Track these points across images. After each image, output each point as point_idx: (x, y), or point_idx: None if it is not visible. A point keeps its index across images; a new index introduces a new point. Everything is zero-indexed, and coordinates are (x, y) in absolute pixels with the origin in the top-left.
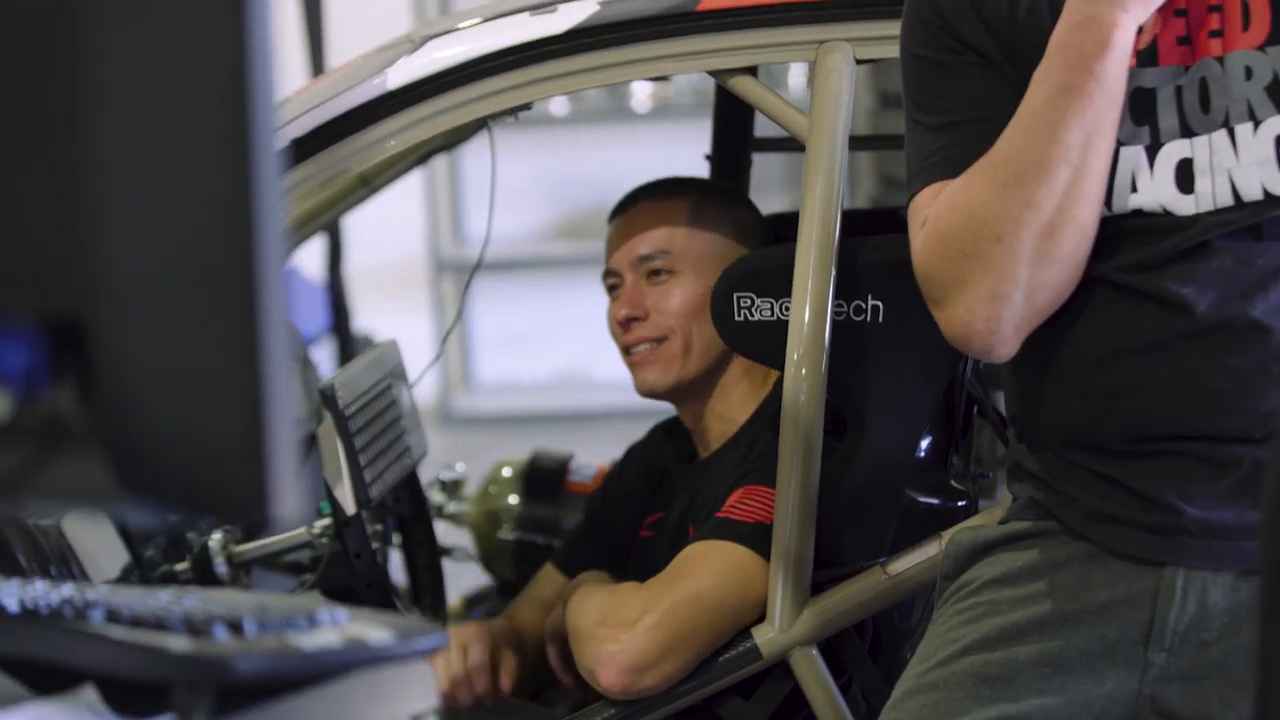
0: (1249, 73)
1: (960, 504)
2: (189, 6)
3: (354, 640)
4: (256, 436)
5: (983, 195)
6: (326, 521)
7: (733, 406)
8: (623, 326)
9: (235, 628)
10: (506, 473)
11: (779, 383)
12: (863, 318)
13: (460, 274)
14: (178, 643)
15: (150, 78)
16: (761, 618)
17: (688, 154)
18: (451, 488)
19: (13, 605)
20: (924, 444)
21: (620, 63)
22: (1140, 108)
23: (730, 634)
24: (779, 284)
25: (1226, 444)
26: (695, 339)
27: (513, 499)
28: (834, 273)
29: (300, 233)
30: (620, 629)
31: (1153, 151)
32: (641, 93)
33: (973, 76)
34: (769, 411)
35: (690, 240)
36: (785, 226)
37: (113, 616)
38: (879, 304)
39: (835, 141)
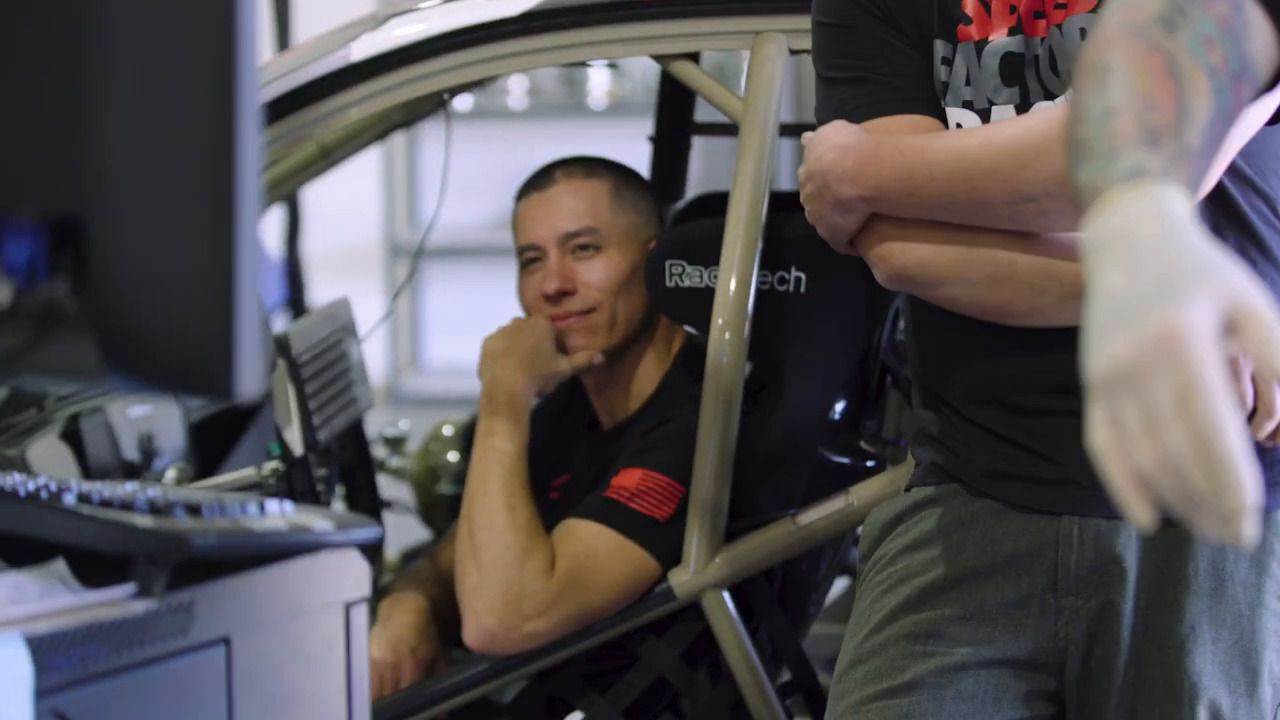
0: (1084, 34)
1: (870, 464)
2: None
3: (298, 526)
4: (227, 322)
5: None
6: (275, 464)
7: (638, 380)
8: (551, 300)
9: (194, 510)
10: (447, 431)
11: (677, 358)
12: (786, 288)
13: (413, 258)
14: (141, 520)
15: (151, 7)
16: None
17: (641, 150)
18: (394, 443)
19: None
20: (838, 407)
21: (570, 45)
22: (1010, 71)
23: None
24: (709, 253)
25: None
26: (620, 312)
27: (452, 455)
28: (760, 245)
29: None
30: (520, 620)
31: (1022, 111)
32: (598, 90)
33: (885, 40)
34: (673, 384)
35: (613, 217)
36: (719, 203)
37: (84, 498)
38: (801, 275)
39: (766, 124)
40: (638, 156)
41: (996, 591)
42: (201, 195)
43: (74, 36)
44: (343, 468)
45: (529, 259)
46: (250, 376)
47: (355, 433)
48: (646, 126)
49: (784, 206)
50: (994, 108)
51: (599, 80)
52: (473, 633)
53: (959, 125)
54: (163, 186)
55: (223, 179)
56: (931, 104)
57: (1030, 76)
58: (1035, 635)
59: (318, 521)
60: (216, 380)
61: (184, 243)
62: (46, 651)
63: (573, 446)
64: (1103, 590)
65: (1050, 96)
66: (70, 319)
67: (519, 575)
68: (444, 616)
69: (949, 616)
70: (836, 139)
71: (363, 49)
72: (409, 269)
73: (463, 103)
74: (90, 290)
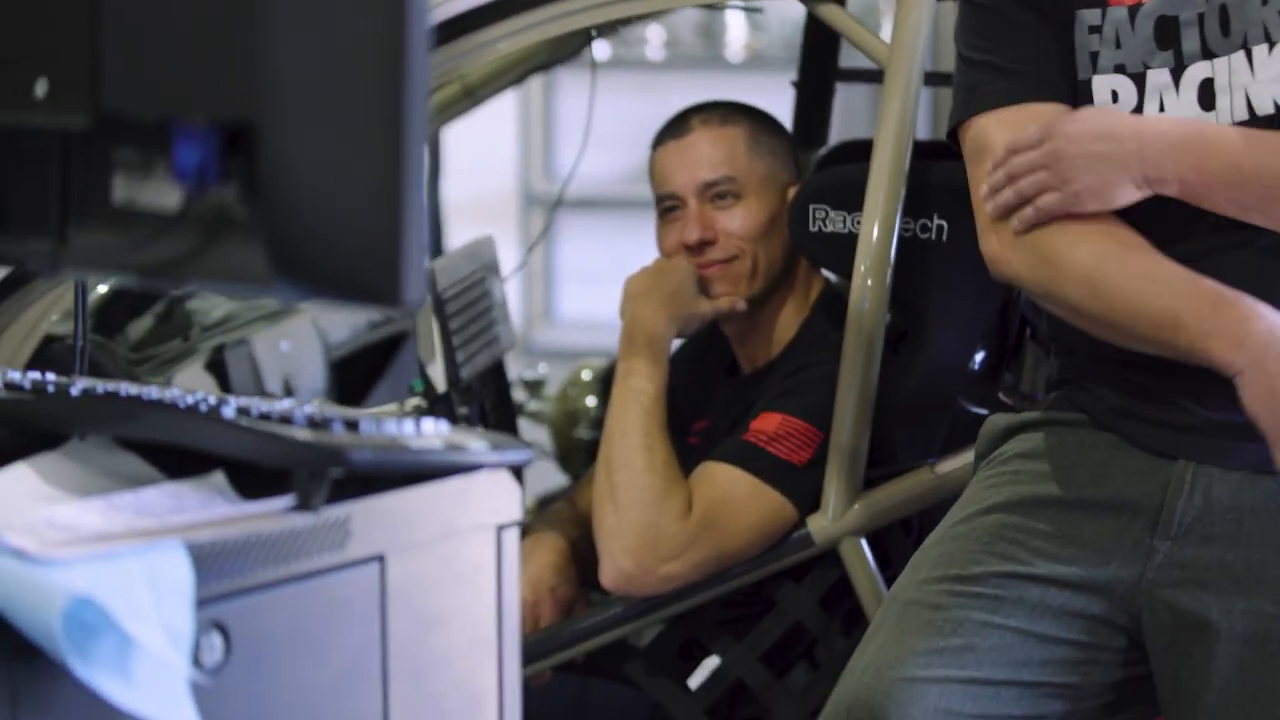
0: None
1: None
2: None
3: (454, 445)
4: (395, 229)
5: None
6: (418, 401)
7: (779, 327)
8: (692, 250)
9: (352, 426)
10: (586, 375)
11: (817, 304)
12: (928, 235)
13: (548, 209)
14: (300, 433)
15: None
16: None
17: (777, 105)
18: (533, 387)
19: (152, 397)
20: (978, 357)
21: None
22: (1164, 34)
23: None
24: (853, 199)
25: None
26: (761, 259)
27: (590, 400)
28: (903, 191)
29: None
30: (655, 561)
31: (1177, 74)
32: (735, 42)
33: (1019, 23)
34: (812, 330)
35: (750, 164)
36: (862, 151)
37: (243, 412)
38: (944, 224)
39: (912, 70)
40: (775, 111)
41: (1096, 522)
42: (372, 101)
43: None
44: (483, 407)
45: (668, 207)
46: (416, 285)
47: (497, 372)
48: (783, 81)
49: (928, 154)
50: (1149, 71)
51: (737, 33)
52: (609, 574)
53: (1114, 92)
54: (334, 92)
55: (393, 85)
56: (1052, 87)
57: (1189, 37)
58: (1119, 570)
59: (472, 442)
60: (384, 287)
61: (354, 149)
62: (207, 561)
63: (712, 391)
64: (1206, 541)
65: (1210, 56)
66: (239, 224)
67: (656, 517)
68: (583, 558)
69: (1040, 531)
70: (1129, 119)
71: None
72: (544, 220)
73: (600, 52)
74: (260, 196)
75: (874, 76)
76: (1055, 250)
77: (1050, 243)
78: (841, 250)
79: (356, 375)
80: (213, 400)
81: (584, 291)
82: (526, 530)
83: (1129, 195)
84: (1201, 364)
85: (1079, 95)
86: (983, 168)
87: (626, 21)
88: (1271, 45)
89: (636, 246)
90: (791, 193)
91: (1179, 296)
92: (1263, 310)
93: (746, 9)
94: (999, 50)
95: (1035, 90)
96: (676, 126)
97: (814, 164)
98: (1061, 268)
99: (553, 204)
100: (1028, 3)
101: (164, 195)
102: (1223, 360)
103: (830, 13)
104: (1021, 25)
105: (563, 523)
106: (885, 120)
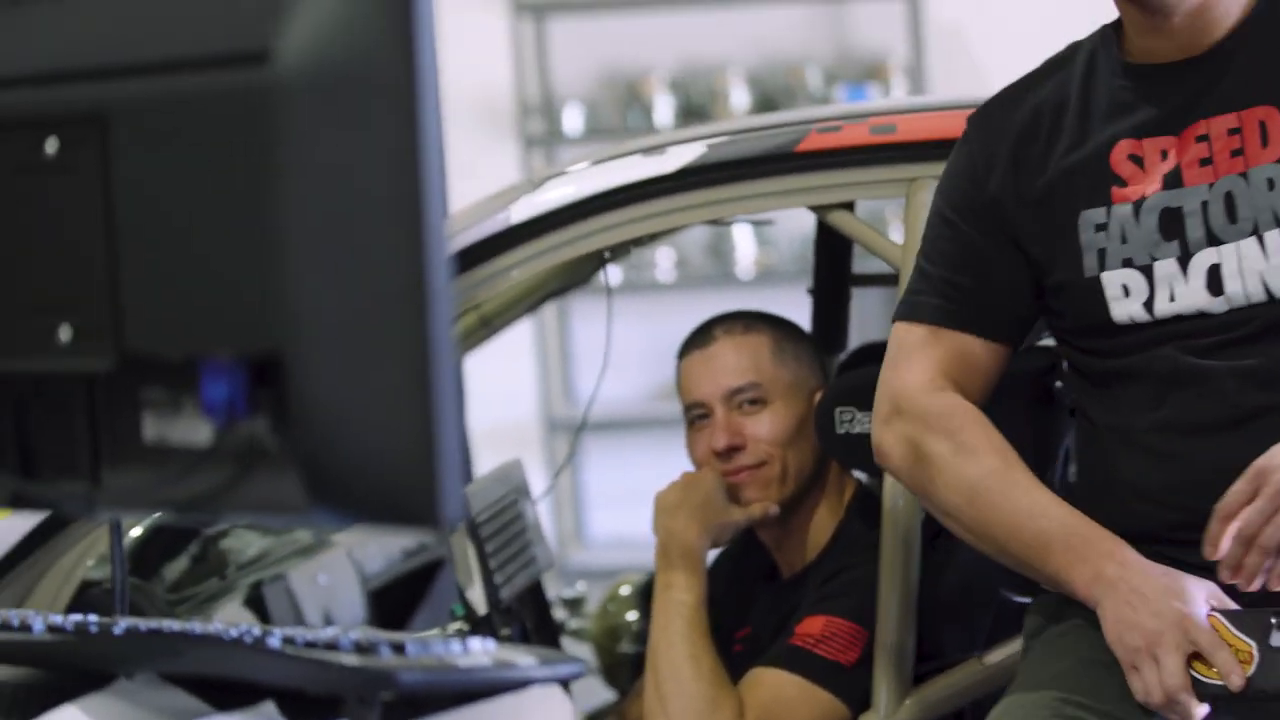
0: (1271, 184)
1: None
2: (370, 96)
3: (503, 662)
4: (427, 452)
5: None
6: (459, 625)
7: (814, 530)
8: (721, 457)
9: (399, 648)
10: (625, 590)
11: (851, 505)
12: None
13: (572, 434)
14: (348, 658)
15: (338, 150)
16: None
17: (791, 317)
18: (573, 605)
19: (196, 632)
20: None
21: (726, 200)
22: (1169, 225)
23: None
24: None
25: None
26: (791, 464)
27: (631, 614)
28: None
29: None
30: None
31: (1184, 262)
32: (746, 260)
33: (970, 240)
34: (848, 532)
35: (776, 370)
36: (882, 352)
37: (289, 641)
38: None
39: None
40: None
41: None
42: (397, 326)
43: (267, 180)
44: (524, 628)
45: (696, 416)
46: (453, 506)
47: (536, 592)
48: (795, 294)
49: None
50: (1155, 263)
51: (746, 250)
52: None
53: (1124, 287)
54: (358, 318)
55: (417, 309)
56: (977, 323)
57: (1193, 226)
58: None
59: (520, 658)
60: (420, 510)
61: (382, 374)
62: None
63: (752, 598)
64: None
65: (1215, 243)
66: (271, 455)
67: None
68: None
69: (1108, 694)
70: None
71: (522, 211)
72: (569, 445)
73: (612, 277)
74: (291, 426)
75: (888, 280)
76: (938, 454)
77: (935, 448)
78: (870, 451)
79: (395, 604)
80: (258, 631)
81: (614, 513)
82: None
83: None
84: (1065, 592)
85: (1088, 293)
86: (894, 368)
87: (638, 242)
88: None
89: (662, 465)
90: (818, 397)
91: (1053, 523)
92: (1123, 553)
93: (756, 223)
94: (943, 266)
95: (959, 321)
96: (700, 336)
97: (836, 368)
98: (943, 472)
99: (576, 429)
100: (995, 228)
101: (194, 431)
102: (1082, 592)
103: (841, 219)
104: (980, 256)
105: None
106: None
